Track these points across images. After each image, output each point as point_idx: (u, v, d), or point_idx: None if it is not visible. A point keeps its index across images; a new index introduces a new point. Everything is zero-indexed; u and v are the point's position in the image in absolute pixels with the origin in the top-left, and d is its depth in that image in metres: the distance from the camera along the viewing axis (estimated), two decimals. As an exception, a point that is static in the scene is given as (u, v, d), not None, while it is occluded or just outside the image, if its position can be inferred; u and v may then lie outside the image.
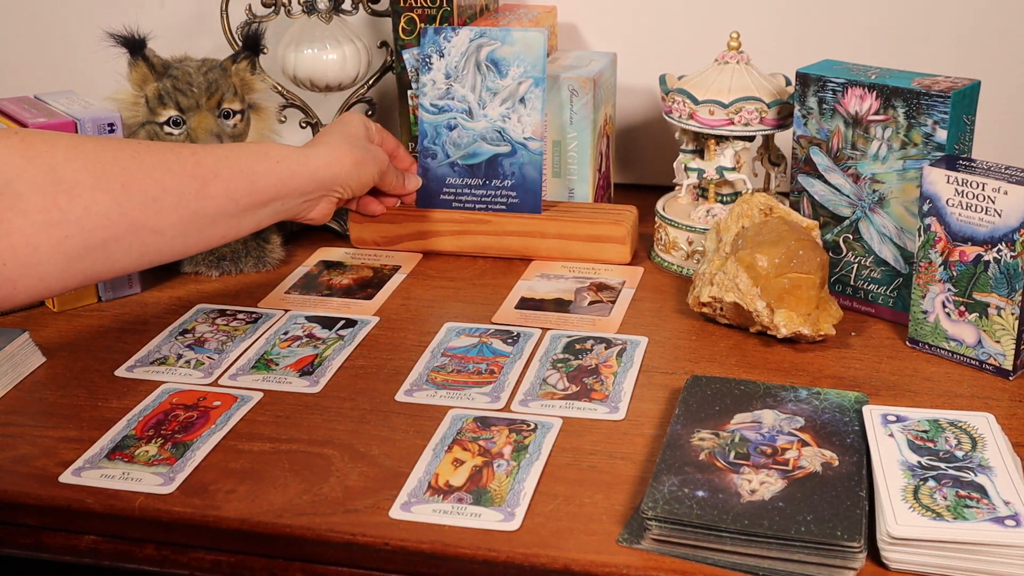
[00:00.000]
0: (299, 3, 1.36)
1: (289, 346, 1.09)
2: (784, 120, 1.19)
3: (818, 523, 0.78)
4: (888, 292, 1.12)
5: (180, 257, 1.02)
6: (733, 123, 1.18)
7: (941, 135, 1.04)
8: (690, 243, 1.23)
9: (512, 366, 1.04)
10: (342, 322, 1.14)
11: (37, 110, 1.17)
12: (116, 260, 0.95)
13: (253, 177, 1.04)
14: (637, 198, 1.37)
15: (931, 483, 0.81)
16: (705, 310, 1.11)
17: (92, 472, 0.90)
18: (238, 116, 1.24)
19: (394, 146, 1.26)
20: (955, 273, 1.02)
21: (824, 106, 1.11)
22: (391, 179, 1.22)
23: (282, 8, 1.37)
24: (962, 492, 0.80)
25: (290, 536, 0.83)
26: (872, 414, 0.90)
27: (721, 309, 1.10)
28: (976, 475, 0.82)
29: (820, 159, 1.13)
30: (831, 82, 1.10)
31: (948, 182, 1.00)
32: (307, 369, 1.05)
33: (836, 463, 0.85)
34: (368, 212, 1.25)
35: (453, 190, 1.28)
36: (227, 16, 1.37)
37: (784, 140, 1.23)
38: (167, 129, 1.22)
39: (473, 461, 0.90)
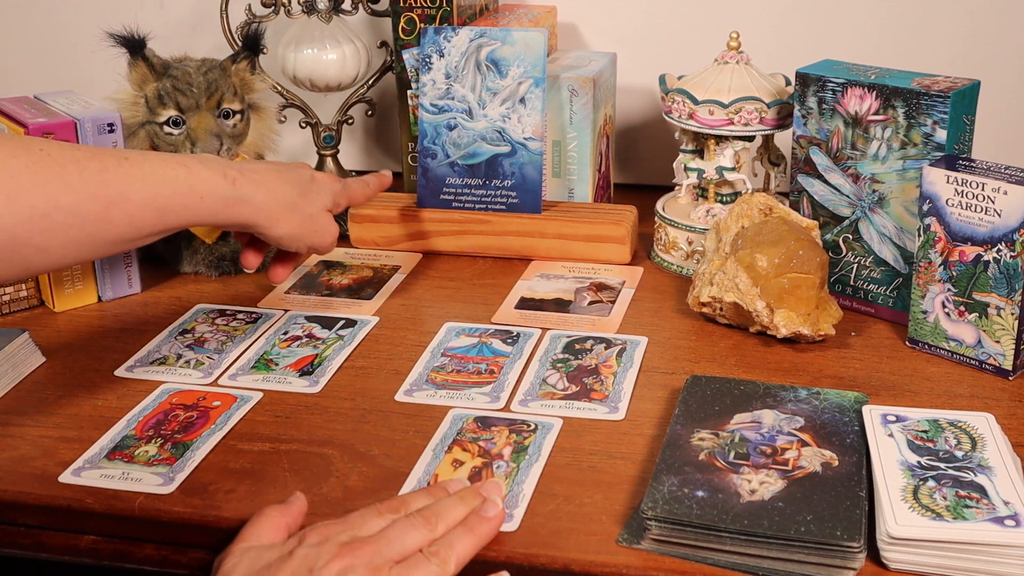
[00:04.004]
0: (299, 3, 1.36)
1: (289, 346, 1.09)
2: (784, 120, 1.19)
3: (818, 523, 0.78)
4: (888, 292, 1.12)
5: (66, 268, 0.93)
6: (733, 123, 1.18)
7: (941, 135, 1.04)
8: (690, 243, 1.23)
9: (512, 366, 1.04)
10: (342, 322, 1.14)
11: (37, 110, 1.17)
12: None
13: (166, 211, 0.94)
14: (637, 198, 1.37)
15: (931, 483, 0.81)
16: (705, 310, 1.11)
17: (92, 472, 0.90)
18: (238, 116, 1.24)
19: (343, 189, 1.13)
20: (955, 273, 1.02)
21: (824, 106, 1.11)
22: (356, 194, 1.14)
23: (282, 8, 1.37)
24: (962, 492, 0.80)
25: (290, 536, 0.83)
26: (872, 414, 0.90)
27: (721, 309, 1.10)
28: (976, 475, 0.82)
29: (820, 159, 1.13)
30: (831, 82, 1.10)
31: (948, 182, 1.00)
32: (307, 369, 1.05)
33: (836, 463, 0.85)
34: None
35: (453, 190, 1.28)
36: (227, 16, 1.37)
37: (784, 140, 1.23)
38: (167, 129, 1.22)
39: (473, 462, 0.90)
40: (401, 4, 1.33)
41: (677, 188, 1.29)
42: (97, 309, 1.18)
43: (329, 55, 1.36)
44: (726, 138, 1.21)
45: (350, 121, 1.44)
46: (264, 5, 1.37)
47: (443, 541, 0.78)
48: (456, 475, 0.88)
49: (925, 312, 1.05)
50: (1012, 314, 0.99)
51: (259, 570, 0.76)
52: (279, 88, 1.41)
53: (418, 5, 1.32)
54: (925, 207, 1.02)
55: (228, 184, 0.97)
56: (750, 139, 1.22)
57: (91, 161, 0.90)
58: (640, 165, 1.51)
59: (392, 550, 0.76)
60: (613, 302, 1.17)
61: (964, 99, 1.05)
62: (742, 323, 1.10)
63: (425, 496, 0.82)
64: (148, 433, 0.95)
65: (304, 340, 1.10)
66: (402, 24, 1.34)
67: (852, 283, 1.14)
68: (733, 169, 1.21)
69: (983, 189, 0.98)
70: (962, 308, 1.02)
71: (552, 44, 1.43)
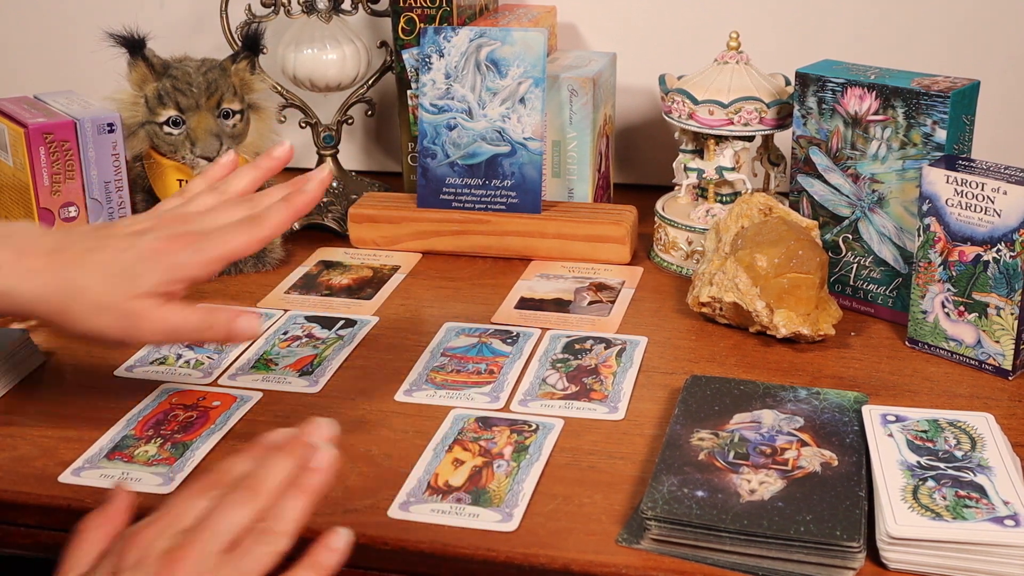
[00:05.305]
0: (299, 3, 1.36)
1: (289, 346, 1.09)
2: (784, 120, 1.19)
3: (817, 523, 0.78)
4: (887, 292, 1.12)
5: None
6: (732, 123, 1.18)
7: (940, 135, 1.05)
8: (690, 243, 1.23)
9: (511, 366, 1.04)
10: (341, 322, 1.14)
11: (37, 110, 1.17)
12: None
13: None
14: (637, 198, 1.37)
15: (930, 483, 0.81)
16: (705, 310, 1.11)
17: (92, 472, 0.90)
18: (237, 116, 1.24)
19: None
20: (954, 273, 1.02)
21: (823, 106, 1.11)
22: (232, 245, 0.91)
23: (282, 8, 1.37)
24: (961, 492, 0.80)
25: (290, 536, 0.83)
26: (871, 414, 0.90)
27: (720, 309, 1.10)
28: (975, 475, 0.82)
29: (819, 159, 1.13)
30: (830, 82, 1.10)
31: (947, 182, 1.00)
32: (307, 369, 1.05)
33: (835, 463, 0.85)
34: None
35: (453, 190, 1.28)
36: (227, 16, 1.37)
37: (783, 140, 1.23)
38: (166, 129, 1.22)
39: (473, 461, 0.90)
40: (401, 4, 1.33)
41: (677, 188, 1.29)
42: (97, 309, 1.18)
43: (329, 55, 1.36)
44: (726, 138, 1.21)
45: (350, 121, 1.44)
46: (264, 5, 1.37)
47: (272, 512, 0.70)
48: (456, 474, 0.88)
49: (925, 312, 1.05)
50: (1012, 314, 0.99)
51: None
52: (279, 88, 1.41)
53: (418, 5, 1.32)
54: (925, 207, 1.02)
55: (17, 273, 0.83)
56: (750, 139, 1.22)
57: None
58: (640, 165, 1.51)
59: (218, 541, 0.68)
60: (613, 302, 1.17)
61: (964, 99, 1.05)
62: (742, 323, 1.10)
63: (246, 460, 0.75)
64: (148, 433, 0.95)
65: (304, 340, 1.10)
66: (402, 24, 1.34)
67: (852, 283, 1.14)
68: (733, 169, 1.21)
69: (983, 189, 0.98)
70: (962, 308, 1.02)
71: (552, 44, 1.43)
